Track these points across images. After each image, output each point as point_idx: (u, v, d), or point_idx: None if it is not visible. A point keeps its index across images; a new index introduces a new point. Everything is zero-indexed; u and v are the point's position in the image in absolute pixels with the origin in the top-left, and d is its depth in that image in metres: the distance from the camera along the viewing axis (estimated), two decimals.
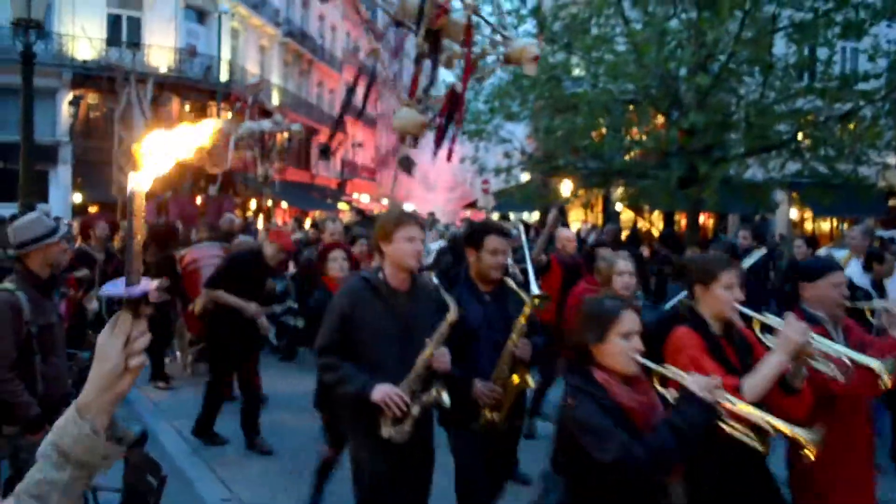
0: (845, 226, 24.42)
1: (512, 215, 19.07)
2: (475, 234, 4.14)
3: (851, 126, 13.20)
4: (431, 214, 16.63)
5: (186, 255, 8.83)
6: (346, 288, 3.79)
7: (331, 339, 3.65)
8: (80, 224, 8.72)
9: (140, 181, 1.39)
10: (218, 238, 10.73)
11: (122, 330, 1.41)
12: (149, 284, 1.45)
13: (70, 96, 23.61)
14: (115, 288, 1.42)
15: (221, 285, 6.33)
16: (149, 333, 1.44)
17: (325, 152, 15.61)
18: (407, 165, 6.05)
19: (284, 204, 29.76)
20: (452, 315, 3.59)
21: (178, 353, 9.52)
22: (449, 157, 6.18)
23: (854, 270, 6.55)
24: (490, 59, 6.40)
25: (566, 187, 17.12)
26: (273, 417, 7.12)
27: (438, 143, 5.92)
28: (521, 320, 3.92)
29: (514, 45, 5.22)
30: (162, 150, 1.45)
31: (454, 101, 5.05)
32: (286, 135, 16.39)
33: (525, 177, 16.14)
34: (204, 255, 8.72)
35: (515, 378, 3.96)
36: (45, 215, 6.44)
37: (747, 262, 6.80)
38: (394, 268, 3.64)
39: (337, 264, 5.41)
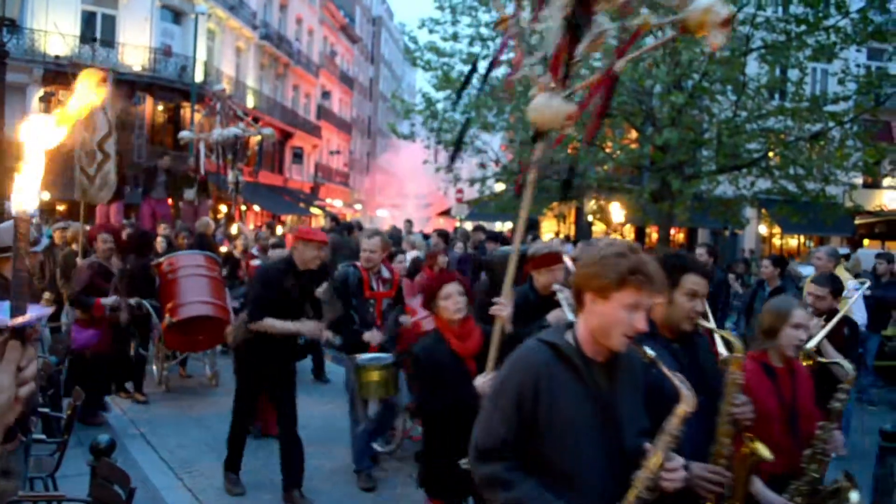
0: (812, 243, 24.87)
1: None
2: (669, 270, 2.89)
3: (820, 146, 13.45)
4: (409, 223, 16.58)
5: (164, 262, 8.51)
6: (522, 360, 2.52)
7: (500, 439, 2.46)
8: (88, 235, 8.57)
9: (24, 202, 1.35)
10: (196, 244, 10.55)
11: (11, 360, 1.35)
12: (39, 312, 1.41)
13: (41, 92, 23.29)
14: (0, 316, 1.36)
15: (266, 313, 5.43)
16: (35, 361, 1.39)
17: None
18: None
19: (257, 207, 29.58)
20: (687, 405, 2.42)
21: (153, 366, 8.93)
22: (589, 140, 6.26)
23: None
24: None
25: (617, 211, 16.99)
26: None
27: (592, 136, 5.68)
28: (735, 369, 2.96)
29: (693, 6, 2.83)
30: (36, 157, 1.39)
31: (609, 86, 3.78)
32: (259, 138, 16.29)
33: (499, 187, 16.21)
34: (184, 264, 8.38)
35: (744, 449, 3.03)
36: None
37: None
38: (596, 334, 2.44)
39: (452, 303, 4.06)
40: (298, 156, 39.38)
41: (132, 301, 7.70)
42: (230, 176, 14.94)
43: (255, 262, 9.94)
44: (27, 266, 1.37)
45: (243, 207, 29.15)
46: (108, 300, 7.24)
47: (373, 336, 5.82)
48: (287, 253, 6.51)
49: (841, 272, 7.80)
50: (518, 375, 2.49)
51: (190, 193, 13.68)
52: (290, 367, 5.76)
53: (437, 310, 4.10)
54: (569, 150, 13.71)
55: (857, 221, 20.54)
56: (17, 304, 1.35)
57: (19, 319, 1.34)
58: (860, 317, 7.72)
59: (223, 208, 26.14)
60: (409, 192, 49.93)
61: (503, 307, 3.67)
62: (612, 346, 2.42)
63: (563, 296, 4.16)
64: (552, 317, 4.28)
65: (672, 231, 14.50)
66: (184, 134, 16.36)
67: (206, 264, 8.62)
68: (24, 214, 1.35)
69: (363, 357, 5.66)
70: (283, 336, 5.51)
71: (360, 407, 6.07)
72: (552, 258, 4.83)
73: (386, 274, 6.22)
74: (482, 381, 3.54)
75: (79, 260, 8.95)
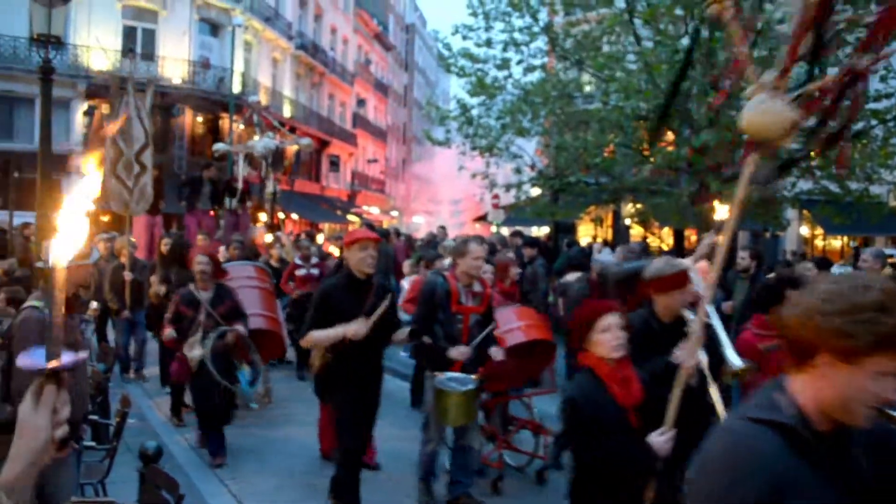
0: (856, 244, 24.36)
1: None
2: None
3: (863, 144, 13.19)
4: (443, 228, 16.64)
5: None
6: (743, 457, 1.72)
7: None
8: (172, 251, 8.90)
9: (61, 252, 1.39)
10: (246, 255, 10.55)
11: (47, 402, 1.39)
12: (73, 358, 1.45)
13: (85, 106, 23.83)
14: (35, 360, 1.40)
15: (314, 326, 5.16)
16: (68, 404, 1.41)
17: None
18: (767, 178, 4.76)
19: (295, 216, 29.88)
20: None
21: None
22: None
23: None
24: None
25: (722, 209, 16.38)
26: (287, 432, 7.17)
27: (842, 163, 4.92)
28: None
29: None
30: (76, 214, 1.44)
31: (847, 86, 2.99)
32: (296, 148, 16.51)
33: (535, 192, 16.17)
34: (235, 276, 8.02)
35: None
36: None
37: None
38: (829, 405, 1.75)
39: (612, 337, 3.46)
40: (335, 164, 39.72)
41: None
42: (269, 186, 15.19)
43: (301, 272, 10.11)
44: (62, 314, 1.41)
45: (281, 216, 29.50)
46: (169, 333, 6.81)
47: (459, 353, 5.37)
48: (335, 263, 6.92)
49: (888, 274, 7.71)
50: (745, 485, 1.68)
51: (232, 203, 13.86)
52: (372, 388, 5.34)
53: (590, 345, 3.49)
54: (605, 153, 13.66)
55: None
56: (52, 349, 1.40)
57: (54, 363, 1.39)
58: None
59: (262, 217, 26.46)
60: (442, 198, 50.02)
61: (691, 354, 3.30)
62: (850, 420, 1.75)
63: (693, 324, 3.59)
64: (682, 353, 3.67)
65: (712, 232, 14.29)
66: (219, 146, 16.65)
67: (256, 275, 8.62)
68: (60, 264, 1.40)
69: (444, 378, 5.29)
70: (360, 355, 5.08)
71: (433, 427, 5.61)
72: (679, 279, 4.26)
73: (477, 287, 5.65)
74: (661, 440, 3.22)
75: (126, 273, 9.27)
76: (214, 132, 27.70)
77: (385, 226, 25.64)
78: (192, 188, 14.02)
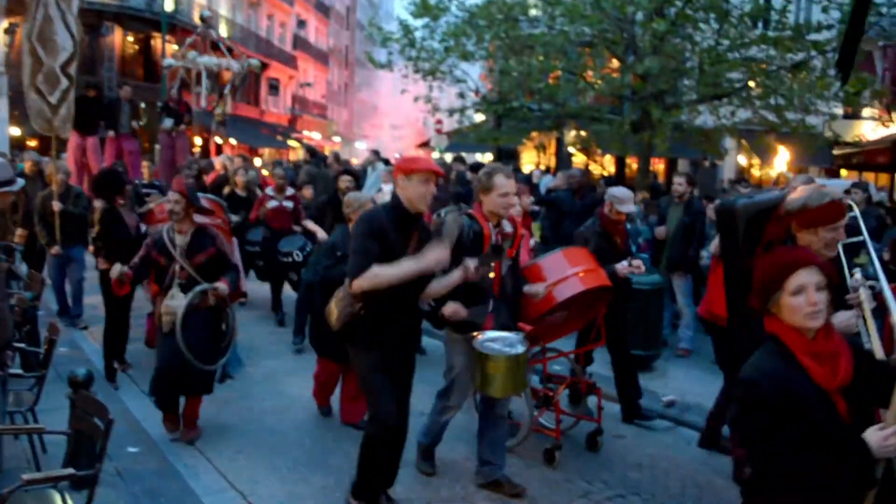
0: (791, 174, 24.93)
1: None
2: None
3: (802, 76, 13.34)
4: (375, 153, 16.27)
5: (154, 208, 7.34)
6: None
7: None
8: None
9: None
10: (203, 186, 9.45)
11: None
12: None
13: (5, 24, 22.52)
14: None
15: (371, 260, 4.00)
16: None
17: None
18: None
19: (233, 140, 29.12)
20: None
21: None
22: None
23: None
24: None
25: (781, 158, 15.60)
26: (275, 403, 6.50)
27: None
28: None
29: None
30: None
31: None
32: (247, 69, 15.97)
33: (479, 118, 16.02)
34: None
35: None
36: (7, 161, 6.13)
37: None
38: None
39: (805, 302, 2.57)
40: (275, 88, 38.68)
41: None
42: (218, 108, 14.64)
43: (272, 205, 9.07)
44: None
45: (219, 141, 28.70)
46: (119, 270, 5.46)
47: (453, 311, 4.38)
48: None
49: None
50: None
51: (167, 122, 13.19)
52: (413, 346, 4.62)
53: (777, 308, 2.59)
54: (549, 79, 13.55)
55: (835, 152, 20.53)
56: None
57: None
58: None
59: (198, 141, 25.71)
60: (382, 123, 49.29)
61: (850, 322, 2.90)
62: None
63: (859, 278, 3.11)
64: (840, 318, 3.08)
65: (651, 160, 14.45)
66: (169, 61, 15.92)
67: (209, 209, 6.86)
68: None
69: (485, 341, 4.35)
70: (402, 305, 4.14)
71: (456, 394, 4.84)
72: (832, 212, 3.51)
73: (508, 227, 4.73)
74: (880, 436, 2.39)
75: (55, 203, 8.16)
76: (146, 53, 26.58)
77: (327, 152, 25.16)
78: (110, 112, 12.95)
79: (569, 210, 9.23)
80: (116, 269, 5.46)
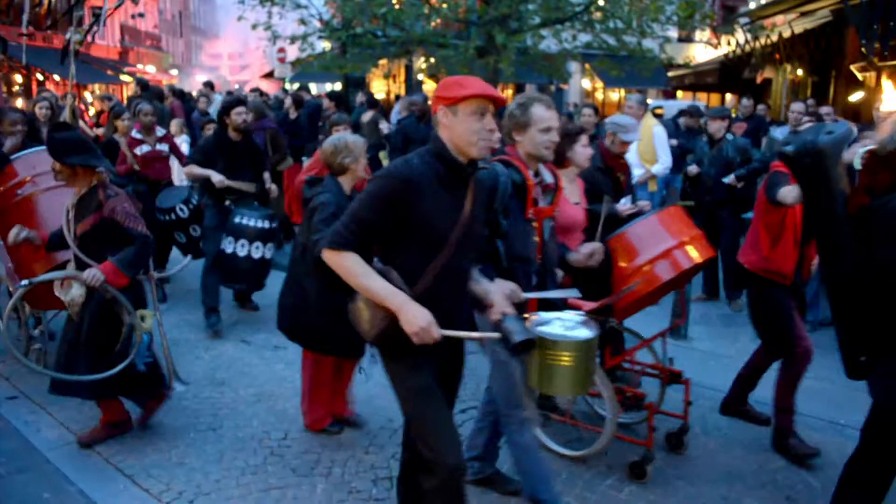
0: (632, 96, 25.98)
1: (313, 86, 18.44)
2: None
3: (638, 1, 13.77)
4: (208, 85, 15.40)
5: (6, 171, 5.23)
6: None
7: None
8: None
9: None
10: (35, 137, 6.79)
11: None
12: None
13: None
14: None
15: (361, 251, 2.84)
16: None
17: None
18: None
19: (57, 77, 26.93)
20: None
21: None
22: None
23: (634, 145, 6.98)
24: None
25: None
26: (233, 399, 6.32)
27: None
28: None
29: None
30: None
31: None
32: None
33: (324, 45, 15.53)
34: (40, 171, 5.13)
35: None
36: None
37: None
38: None
39: None
40: (99, 17, 35.88)
41: None
42: (69, 33, 12.98)
43: (143, 150, 7.53)
44: None
45: (40, 77, 26.46)
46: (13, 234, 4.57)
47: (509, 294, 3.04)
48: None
49: (648, 119, 8.35)
50: None
51: None
52: (459, 356, 3.15)
53: None
54: (394, 5, 13.29)
55: (669, 74, 21.53)
56: None
57: None
58: (666, 160, 8.46)
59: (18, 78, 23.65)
60: (221, 53, 46.93)
61: None
62: None
63: None
64: None
65: (499, 87, 14.58)
66: None
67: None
68: None
69: (539, 324, 2.93)
70: (458, 300, 2.98)
71: (505, 393, 3.60)
72: None
73: (548, 177, 3.68)
74: None
75: None
76: None
77: (163, 84, 23.74)
78: None
79: (414, 137, 9.15)
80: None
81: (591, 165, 4.54)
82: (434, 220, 2.75)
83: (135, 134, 7.59)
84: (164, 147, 7.70)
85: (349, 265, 2.73)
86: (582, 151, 4.16)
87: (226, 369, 5.79)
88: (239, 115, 6.44)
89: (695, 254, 4.14)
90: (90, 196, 4.31)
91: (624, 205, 4.87)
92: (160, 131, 7.83)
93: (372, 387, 5.15)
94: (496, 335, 2.80)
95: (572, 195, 4.12)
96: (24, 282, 4.35)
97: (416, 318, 2.63)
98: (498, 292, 2.96)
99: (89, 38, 33.71)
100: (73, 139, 4.31)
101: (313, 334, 4.42)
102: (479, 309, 3.09)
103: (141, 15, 42.11)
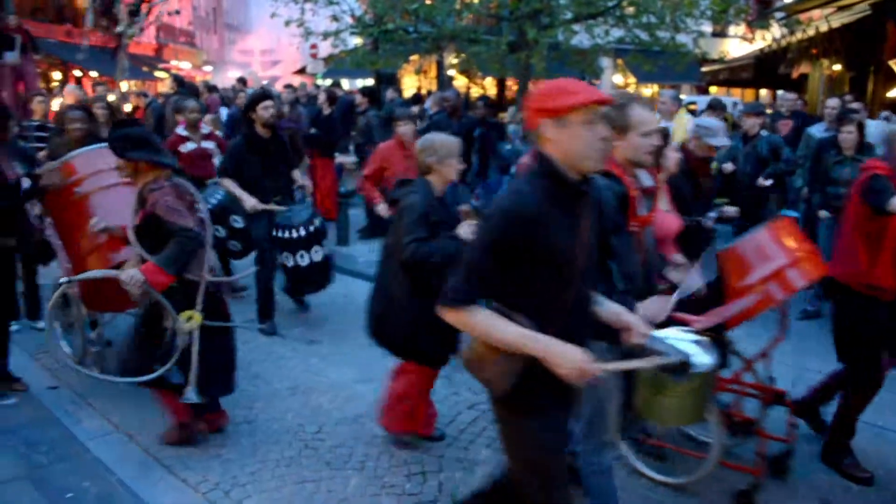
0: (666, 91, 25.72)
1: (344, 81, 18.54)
2: None
3: None
4: (241, 81, 15.56)
5: (64, 168, 5.06)
6: None
7: None
8: None
9: None
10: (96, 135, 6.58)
11: None
12: None
13: None
14: None
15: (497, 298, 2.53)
16: None
17: None
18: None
19: (94, 73, 27.34)
20: None
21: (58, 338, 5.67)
22: None
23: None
24: None
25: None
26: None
27: None
28: None
29: None
30: None
31: None
32: None
33: (356, 41, 15.58)
34: (96, 168, 5.03)
35: None
36: None
37: None
38: None
39: None
40: (135, 14, 36.30)
41: None
42: (130, 30, 13.18)
43: (189, 148, 7.36)
44: None
45: (78, 73, 26.89)
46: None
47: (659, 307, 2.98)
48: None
49: (682, 115, 8.29)
50: None
51: (12, 56, 12.01)
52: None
53: None
54: (425, 0, 13.29)
55: (703, 69, 21.29)
56: None
57: None
58: None
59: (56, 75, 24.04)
60: (253, 49, 47.11)
61: None
62: None
63: None
64: None
65: (530, 82, 14.53)
66: None
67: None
68: None
69: (655, 342, 2.64)
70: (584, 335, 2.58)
71: (590, 415, 3.20)
72: None
73: (647, 180, 3.47)
74: None
75: None
76: None
77: (198, 81, 24.01)
78: None
79: (446, 132, 9.16)
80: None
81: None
82: (559, 250, 2.43)
83: (180, 131, 7.48)
84: (209, 144, 7.53)
85: (477, 321, 2.42)
86: (672, 156, 3.96)
87: (261, 363, 5.88)
88: (266, 110, 6.25)
89: (809, 271, 3.79)
90: (144, 191, 4.19)
91: (712, 217, 4.67)
92: (205, 128, 7.71)
93: None
94: (657, 359, 2.53)
95: (661, 202, 3.88)
96: (65, 279, 4.43)
97: (571, 357, 2.34)
98: (627, 312, 2.67)
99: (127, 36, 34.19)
100: (136, 135, 4.28)
101: (400, 341, 4.20)
102: (606, 337, 2.72)
103: (177, 12, 42.57)
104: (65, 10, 27.46)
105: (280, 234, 6.12)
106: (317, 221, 6.27)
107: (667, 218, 3.85)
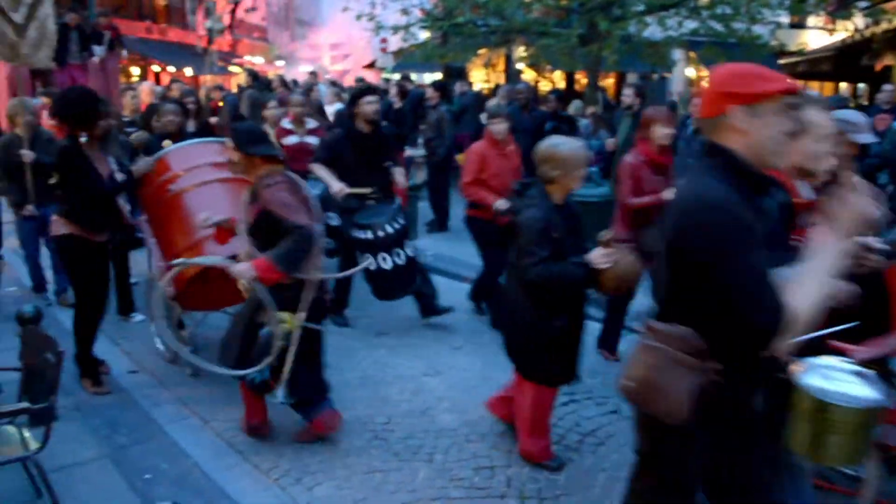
0: None
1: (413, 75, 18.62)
2: None
3: None
4: (313, 74, 15.74)
5: (158, 165, 5.24)
6: None
7: None
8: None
9: None
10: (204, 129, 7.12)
11: None
12: None
13: None
14: None
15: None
16: None
17: None
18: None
19: (172, 68, 28.14)
20: None
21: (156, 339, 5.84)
22: None
23: None
24: None
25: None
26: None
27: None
28: None
29: None
30: None
31: None
32: None
33: (426, 35, 15.65)
34: (194, 164, 5.16)
35: None
36: None
37: None
38: None
39: None
40: (209, 11, 37.20)
41: None
42: (208, 23, 13.63)
43: (291, 141, 7.26)
44: None
45: (157, 68, 27.71)
46: None
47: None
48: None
49: None
50: None
51: (99, 50, 12.42)
52: None
53: None
54: None
55: (780, 62, 20.67)
56: None
57: None
58: None
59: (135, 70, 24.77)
60: (322, 44, 47.32)
61: None
62: None
63: None
64: None
65: (600, 75, 14.36)
66: None
67: (222, 160, 4.84)
68: None
69: (808, 375, 2.28)
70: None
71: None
72: None
73: (807, 191, 3.28)
74: None
75: (26, 153, 6.23)
76: None
77: (270, 76, 24.46)
78: (59, 39, 12.03)
79: (518, 127, 9.13)
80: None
81: None
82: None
83: (285, 124, 7.39)
84: (312, 139, 7.33)
85: (799, 311, 2.03)
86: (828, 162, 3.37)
87: (330, 353, 5.93)
88: (370, 105, 6.10)
89: None
90: (257, 188, 4.13)
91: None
92: (311, 123, 7.60)
93: (471, 377, 5.26)
94: None
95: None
96: (180, 260, 4.41)
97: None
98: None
99: (200, 30, 35.02)
100: (256, 130, 4.39)
101: (524, 359, 4.07)
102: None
103: (253, 9, 43.46)
104: (144, 7, 28.30)
105: (360, 235, 5.93)
106: (401, 219, 6.03)
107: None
